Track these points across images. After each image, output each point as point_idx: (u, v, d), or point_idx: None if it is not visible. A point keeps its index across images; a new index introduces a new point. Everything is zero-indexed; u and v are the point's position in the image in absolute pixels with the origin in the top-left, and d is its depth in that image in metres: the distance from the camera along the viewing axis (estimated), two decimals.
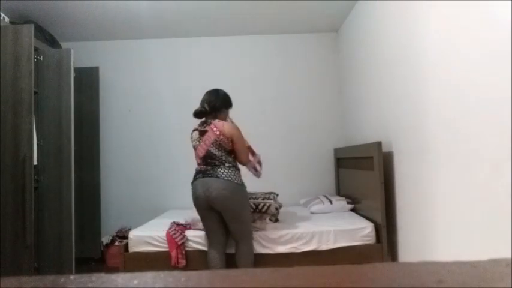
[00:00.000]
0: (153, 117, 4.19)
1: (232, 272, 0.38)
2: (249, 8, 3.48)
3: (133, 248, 2.64)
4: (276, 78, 4.20)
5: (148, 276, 0.37)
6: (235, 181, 2.36)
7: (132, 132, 4.20)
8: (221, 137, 2.36)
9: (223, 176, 2.34)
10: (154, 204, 4.02)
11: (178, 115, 4.19)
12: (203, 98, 2.55)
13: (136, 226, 2.99)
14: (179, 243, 2.58)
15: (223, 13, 3.59)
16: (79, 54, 3.68)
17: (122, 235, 3.63)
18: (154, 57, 4.22)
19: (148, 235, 2.68)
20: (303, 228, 2.71)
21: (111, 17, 3.60)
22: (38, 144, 2.97)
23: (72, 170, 3.06)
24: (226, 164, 2.38)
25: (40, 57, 3.09)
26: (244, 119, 4.15)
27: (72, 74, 3.15)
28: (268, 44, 4.23)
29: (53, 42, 3.68)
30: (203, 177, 2.39)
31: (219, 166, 2.38)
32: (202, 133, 2.44)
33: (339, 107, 4.14)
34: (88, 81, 3.79)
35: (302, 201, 3.71)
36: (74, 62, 3.19)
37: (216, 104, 2.48)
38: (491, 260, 0.39)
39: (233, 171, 2.39)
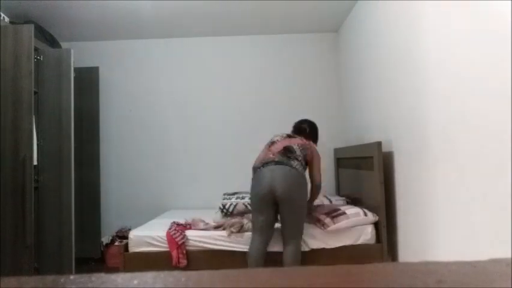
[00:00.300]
0: (153, 117, 4.19)
1: (232, 272, 0.38)
2: (249, 8, 3.48)
3: (133, 248, 2.64)
4: (276, 78, 4.20)
5: (148, 276, 0.37)
6: (304, 174, 2.49)
7: (132, 132, 4.20)
8: (307, 146, 2.62)
9: (295, 165, 2.45)
10: (154, 204, 4.02)
11: (179, 115, 4.20)
12: (304, 121, 2.89)
13: (136, 226, 2.99)
14: (179, 243, 2.58)
15: (223, 13, 3.59)
16: (79, 54, 3.68)
17: (122, 235, 3.63)
18: (154, 57, 4.22)
19: (148, 235, 2.68)
20: (303, 228, 2.71)
21: (111, 17, 3.60)
22: (38, 144, 2.97)
23: (72, 170, 3.06)
24: (301, 161, 2.52)
25: (40, 57, 3.09)
26: (244, 119, 4.17)
27: (72, 74, 3.15)
28: (268, 44, 4.23)
29: (53, 42, 3.68)
30: (275, 164, 2.45)
31: (293, 159, 2.49)
32: (290, 136, 2.66)
33: (339, 107, 4.14)
34: (88, 81, 3.79)
35: None
36: (74, 62, 3.19)
37: (312, 133, 2.85)
38: (491, 260, 0.39)
39: (302, 168, 2.52)
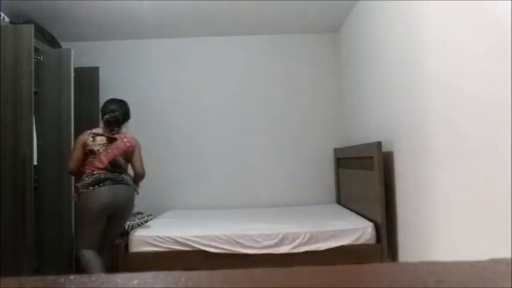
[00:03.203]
0: (153, 118, 4.19)
1: (232, 272, 0.38)
2: (248, 8, 3.48)
3: (134, 248, 2.64)
4: (276, 79, 4.20)
5: (149, 276, 0.37)
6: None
7: (131, 133, 4.19)
8: (130, 149, 2.63)
9: (129, 182, 2.59)
10: (154, 204, 4.02)
11: (179, 115, 4.19)
12: (112, 104, 2.62)
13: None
14: None
15: (223, 13, 3.59)
16: (79, 54, 3.67)
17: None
18: (155, 57, 4.22)
19: (149, 235, 2.68)
20: (303, 228, 2.71)
21: (111, 17, 3.60)
22: (38, 144, 2.97)
23: None
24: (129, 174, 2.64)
25: (40, 57, 3.09)
26: (244, 119, 4.17)
27: (72, 74, 3.14)
28: (268, 44, 4.23)
29: (53, 42, 3.68)
30: (113, 184, 2.46)
31: (124, 173, 2.58)
32: (110, 139, 2.54)
33: (339, 107, 4.14)
34: (88, 81, 3.78)
35: None
36: (74, 62, 3.18)
37: (124, 118, 2.72)
38: (491, 260, 0.39)
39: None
